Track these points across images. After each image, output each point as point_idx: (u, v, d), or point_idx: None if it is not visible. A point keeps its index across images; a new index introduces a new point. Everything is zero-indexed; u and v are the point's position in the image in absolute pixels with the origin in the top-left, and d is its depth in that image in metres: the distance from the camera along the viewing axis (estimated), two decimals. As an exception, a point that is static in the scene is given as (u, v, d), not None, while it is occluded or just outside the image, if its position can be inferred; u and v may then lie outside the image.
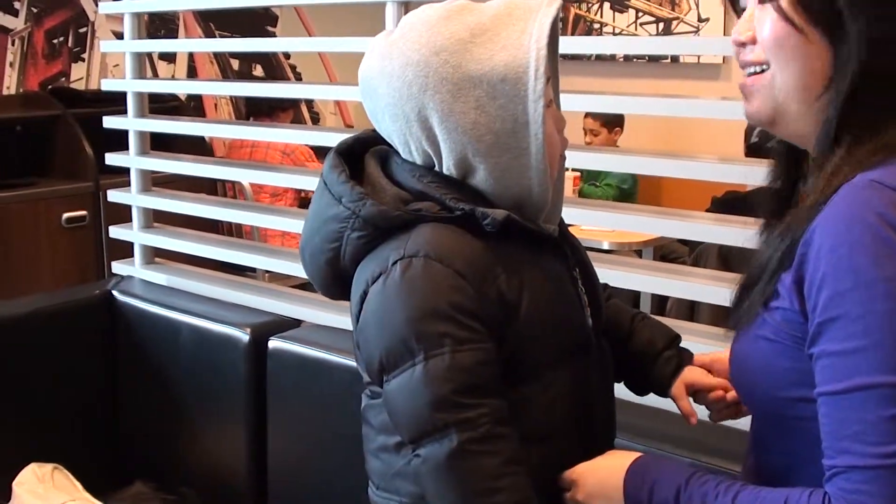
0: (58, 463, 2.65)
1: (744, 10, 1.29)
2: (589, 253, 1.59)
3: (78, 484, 2.63)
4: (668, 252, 5.15)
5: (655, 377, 1.59)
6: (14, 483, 2.58)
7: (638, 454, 1.35)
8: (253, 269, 4.38)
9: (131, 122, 3.11)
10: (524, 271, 1.36)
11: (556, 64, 1.45)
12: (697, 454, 1.80)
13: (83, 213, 4.77)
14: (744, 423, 1.47)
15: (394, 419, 1.34)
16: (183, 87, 5.30)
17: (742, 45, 1.28)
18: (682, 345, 1.64)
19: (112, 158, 3.19)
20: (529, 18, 1.32)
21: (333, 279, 1.44)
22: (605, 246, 4.70)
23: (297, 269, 2.74)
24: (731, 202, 3.84)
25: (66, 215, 4.72)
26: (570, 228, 1.56)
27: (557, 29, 1.39)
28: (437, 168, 1.38)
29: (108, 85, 3.22)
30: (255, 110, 5.58)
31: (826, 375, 1.13)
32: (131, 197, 3.14)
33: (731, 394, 1.52)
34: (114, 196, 3.21)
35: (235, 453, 2.62)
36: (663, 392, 1.59)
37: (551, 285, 1.40)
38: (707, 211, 4.60)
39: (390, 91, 1.35)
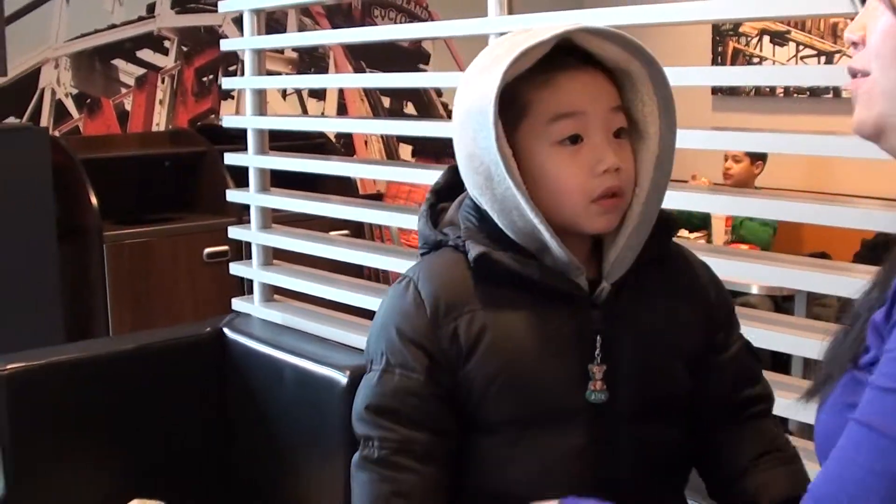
0: (161, 500, 2.64)
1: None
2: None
3: (180, 522, 2.62)
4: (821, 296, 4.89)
5: None
6: (116, 520, 2.57)
7: None
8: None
9: (251, 159, 3.11)
10: (497, 317, 1.29)
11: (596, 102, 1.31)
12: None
13: (225, 248, 4.83)
14: None
15: None
16: (302, 125, 5.32)
17: (854, 44, 1.11)
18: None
19: (233, 195, 3.20)
20: (514, 54, 1.25)
21: None
22: (755, 291, 4.48)
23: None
24: (883, 245, 3.61)
25: (207, 250, 4.79)
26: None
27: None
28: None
29: (228, 122, 3.25)
30: (422, 151, 5.53)
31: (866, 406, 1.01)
32: (251, 234, 3.13)
33: None
34: (234, 233, 3.21)
35: (334, 495, 2.56)
36: None
37: (527, 341, 1.29)
38: (856, 255, 4.37)
39: None
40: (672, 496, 1.41)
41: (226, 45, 3.27)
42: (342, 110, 6.08)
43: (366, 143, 6.29)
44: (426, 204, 1.41)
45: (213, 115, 5.61)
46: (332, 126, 5.04)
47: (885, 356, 1.00)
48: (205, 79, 5.58)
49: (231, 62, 5.67)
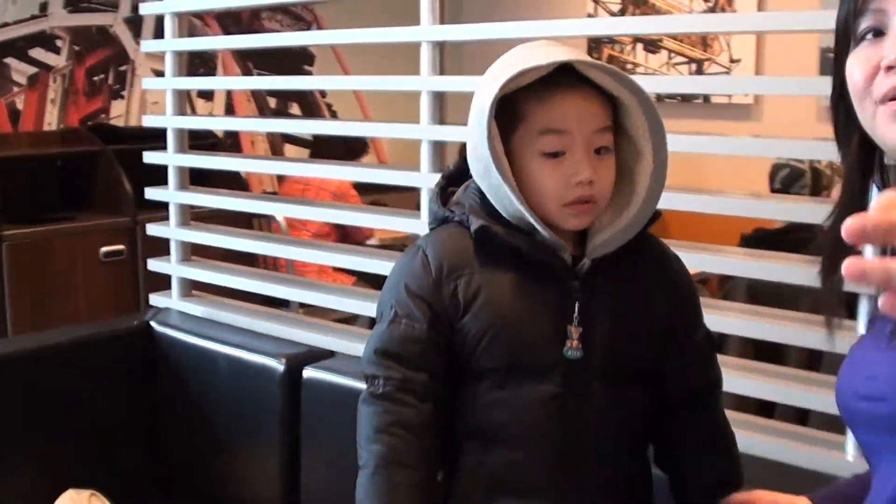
0: (94, 490, 2.70)
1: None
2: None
3: (114, 510, 2.68)
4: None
5: None
6: (52, 509, 2.63)
7: None
8: (286, 303, 4.44)
9: (171, 158, 3.18)
10: (491, 280, 1.48)
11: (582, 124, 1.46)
12: None
13: (121, 247, 4.86)
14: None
15: None
16: (222, 124, 5.40)
17: (889, 68, 1.15)
18: None
19: (151, 193, 3.25)
20: (513, 71, 1.41)
21: None
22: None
23: (332, 302, 2.82)
24: (762, 238, 3.87)
25: (103, 249, 4.81)
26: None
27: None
28: None
29: (149, 121, 3.31)
30: (321, 154, 5.60)
31: None
32: (170, 230, 3.20)
33: None
34: (153, 230, 3.27)
35: (269, 480, 2.67)
36: None
37: (516, 302, 1.47)
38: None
39: None
40: (635, 457, 1.58)
41: (147, 47, 3.37)
42: (230, 110, 6.14)
43: (252, 142, 6.36)
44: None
45: (103, 115, 5.62)
46: (248, 126, 5.11)
47: None
48: (96, 78, 5.58)
49: (122, 62, 5.69)
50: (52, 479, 2.69)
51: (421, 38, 2.47)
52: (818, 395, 1.94)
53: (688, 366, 1.58)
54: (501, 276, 1.48)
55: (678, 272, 1.60)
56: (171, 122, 3.18)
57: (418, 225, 2.54)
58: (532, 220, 1.45)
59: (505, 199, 1.45)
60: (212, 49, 4.68)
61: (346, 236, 5.22)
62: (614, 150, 1.49)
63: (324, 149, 5.72)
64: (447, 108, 2.50)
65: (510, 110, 1.45)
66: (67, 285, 4.70)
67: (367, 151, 6.27)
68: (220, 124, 5.34)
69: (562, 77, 1.43)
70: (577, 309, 1.47)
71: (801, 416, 2.69)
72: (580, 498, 1.49)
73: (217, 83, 5.58)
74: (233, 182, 5.02)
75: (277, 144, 6.51)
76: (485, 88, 1.44)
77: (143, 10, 3.18)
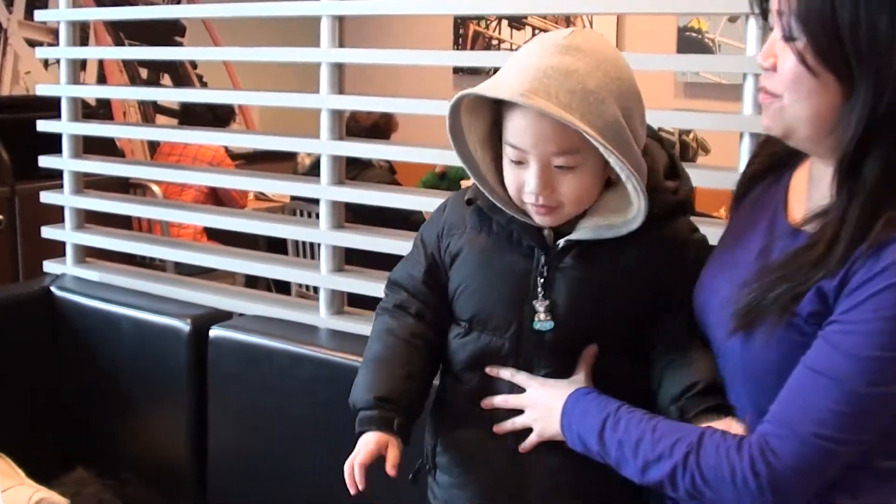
0: (0, 452, 2.75)
1: (767, 14, 1.43)
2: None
3: (20, 471, 2.72)
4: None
5: None
6: (-40, 469, 2.67)
7: (583, 386, 1.60)
8: (163, 268, 4.52)
9: (66, 126, 3.22)
10: (473, 243, 1.69)
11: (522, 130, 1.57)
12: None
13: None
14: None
15: None
16: (115, 93, 5.42)
17: (765, 69, 1.41)
18: None
19: (46, 161, 3.27)
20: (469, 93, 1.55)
21: None
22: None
23: (225, 264, 2.97)
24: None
25: (-20, 219, 4.80)
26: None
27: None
28: None
29: (42, 90, 3.34)
30: (190, 123, 5.64)
31: (826, 355, 1.34)
32: (64, 198, 3.25)
33: None
34: (46, 197, 3.30)
35: (176, 439, 2.77)
36: None
37: (486, 265, 1.67)
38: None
39: None
40: None
41: (41, 16, 3.37)
42: (102, 80, 6.12)
43: (124, 113, 6.36)
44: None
45: (-26, 85, 5.58)
46: (142, 94, 5.13)
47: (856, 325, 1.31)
48: (-32, 47, 5.54)
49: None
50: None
51: (322, 12, 2.59)
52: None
53: (671, 342, 1.65)
54: (482, 241, 1.68)
55: (675, 261, 1.65)
56: (65, 90, 3.23)
57: (317, 190, 2.67)
58: (499, 202, 1.63)
59: (489, 196, 1.66)
60: (108, 20, 4.68)
61: (221, 205, 5.30)
62: (592, 165, 1.55)
63: (192, 118, 5.78)
64: (345, 78, 2.64)
65: (501, 109, 1.59)
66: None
67: (234, 119, 6.33)
68: (113, 93, 5.35)
69: None
70: (539, 283, 1.63)
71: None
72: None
73: (111, 53, 5.55)
74: (106, 148, 5.03)
75: (149, 114, 6.52)
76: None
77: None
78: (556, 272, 1.61)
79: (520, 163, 1.56)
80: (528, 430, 1.65)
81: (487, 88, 1.51)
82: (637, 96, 1.56)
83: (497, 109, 1.59)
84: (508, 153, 1.57)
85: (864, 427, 1.33)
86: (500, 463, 1.69)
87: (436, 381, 1.78)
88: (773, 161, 1.58)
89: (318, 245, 2.50)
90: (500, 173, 1.63)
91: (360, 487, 1.59)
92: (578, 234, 1.60)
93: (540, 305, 1.62)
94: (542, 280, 1.62)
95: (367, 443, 1.62)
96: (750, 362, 1.46)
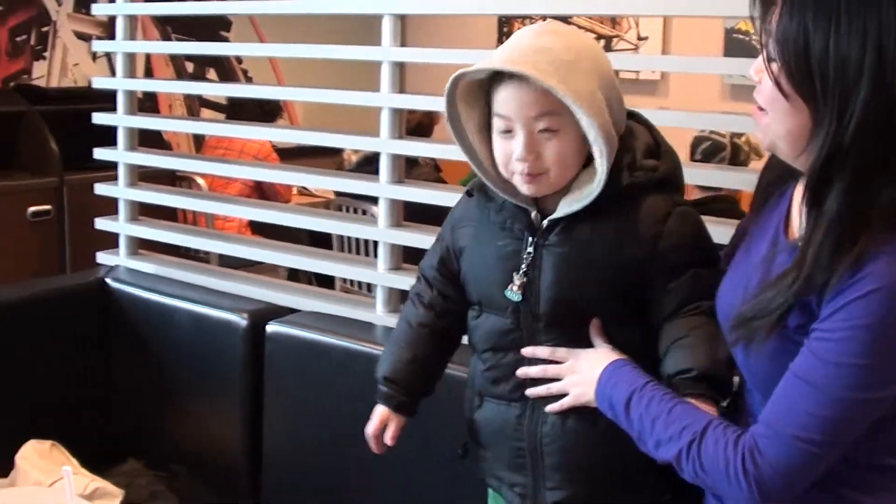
0: (54, 441, 2.77)
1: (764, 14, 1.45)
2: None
3: (74, 460, 2.75)
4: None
5: None
6: (17, 457, 2.69)
7: (620, 357, 1.69)
8: (207, 260, 4.54)
9: (121, 119, 3.24)
10: (474, 233, 1.85)
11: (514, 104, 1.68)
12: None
13: (48, 207, 4.87)
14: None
15: None
16: (172, 87, 5.47)
17: (756, 83, 1.48)
18: None
19: (101, 153, 3.29)
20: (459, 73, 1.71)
21: None
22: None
23: (279, 259, 2.99)
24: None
25: (31, 209, 4.82)
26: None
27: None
28: None
29: (99, 83, 3.36)
30: (237, 118, 5.62)
31: (807, 361, 1.40)
32: (119, 190, 3.27)
33: None
34: (101, 189, 3.33)
35: (230, 434, 2.78)
36: None
37: (483, 252, 1.82)
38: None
39: None
40: None
41: (98, 10, 3.39)
42: (148, 73, 6.15)
43: (170, 106, 6.39)
44: None
45: (24, 76, 5.60)
46: (200, 89, 5.14)
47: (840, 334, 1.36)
48: (18, 39, 5.56)
49: (44, 23, 5.68)
50: (14, 432, 2.74)
51: (384, 10, 2.59)
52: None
53: (667, 306, 1.72)
54: (482, 231, 1.84)
55: (655, 233, 1.71)
56: (121, 83, 3.25)
57: (376, 188, 2.68)
58: (491, 185, 1.77)
59: (479, 175, 1.79)
60: (165, 14, 4.66)
61: (266, 200, 5.31)
62: (574, 131, 1.67)
63: (239, 112, 5.79)
64: (406, 77, 2.64)
65: (491, 96, 1.72)
66: (-6, 244, 4.71)
67: (280, 115, 6.35)
68: (174, 87, 5.40)
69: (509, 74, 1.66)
70: (525, 260, 1.74)
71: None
72: (542, 414, 1.77)
73: (167, 47, 5.55)
74: (153, 142, 5.06)
75: (195, 107, 6.55)
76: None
77: (97, -27, 3.24)
78: (542, 250, 1.74)
79: (508, 132, 1.69)
80: (541, 412, 1.77)
81: (476, 66, 1.68)
82: (611, 79, 1.70)
83: (490, 98, 1.72)
84: (497, 125, 1.70)
85: (843, 430, 1.39)
86: (520, 437, 1.80)
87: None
88: (785, 171, 1.59)
89: (367, 242, 2.51)
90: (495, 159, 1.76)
91: (377, 451, 1.90)
92: (559, 212, 1.72)
93: (518, 279, 1.75)
94: (528, 258, 1.74)
95: (375, 415, 1.90)
96: (752, 369, 1.54)
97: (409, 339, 1.93)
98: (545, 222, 1.73)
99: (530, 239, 1.74)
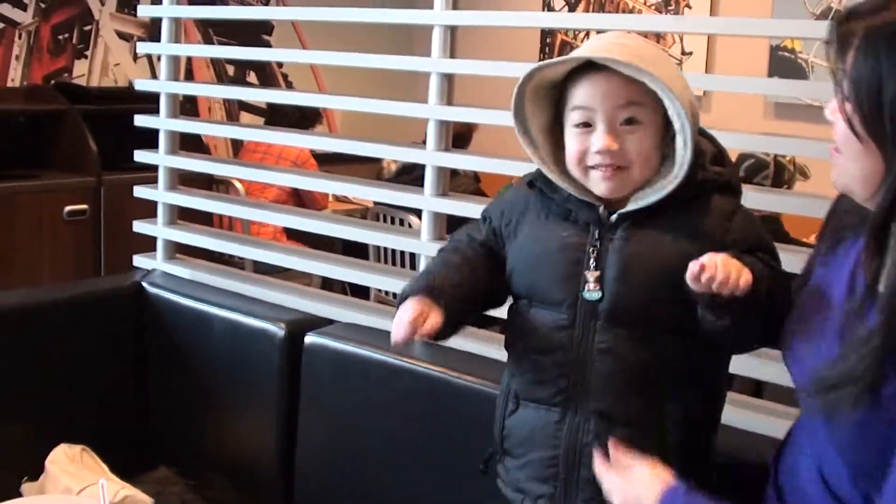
0: (85, 445, 2.75)
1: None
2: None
3: (104, 466, 2.72)
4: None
5: None
6: (47, 461, 2.66)
7: (671, 482, 1.55)
8: (242, 266, 4.52)
9: (163, 122, 3.22)
10: (528, 222, 1.80)
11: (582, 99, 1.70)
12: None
13: (84, 206, 4.87)
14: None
15: None
16: (218, 92, 5.44)
17: (830, 122, 1.44)
18: None
19: (141, 156, 3.27)
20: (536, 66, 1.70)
21: None
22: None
23: (319, 269, 2.94)
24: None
25: (67, 208, 4.82)
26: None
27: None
28: None
29: (141, 85, 3.34)
30: (277, 123, 5.63)
31: None
32: (159, 193, 3.25)
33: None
34: (140, 192, 3.30)
35: (264, 445, 2.74)
36: None
37: (544, 241, 1.76)
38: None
39: None
40: (647, 400, 1.71)
41: (144, 12, 3.37)
42: (188, 75, 6.14)
43: (209, 109, 6.39)
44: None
45: (65, 74, 5.61)
46: (243, 95, 5.14)
47: None
48: (60, 37, 5.57)
49: (87, 22, 5.68)
50: (45, 435, 2.72)
51: (434, 21, 2.56)
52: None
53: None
54: (542, 221, 1.78)
55: (721, 228, 1.68)
56: (165, 86, 3.22)
57: (419, 200, 2.63)
58: (556, 179, 1.74)
59: (549, 177, 1.75)
60: (210, 18, 4.68)
61: (302, 206, 5.29)
62: (654, 125, 1.67)
63: (280, 117, 5.78)
64: (454, 89, 2.60)
65: (564, 95, 1.72)
66: (31, 244, 4.70)
67: (320, 121, 6.34)
68: (220, 92, 5.39)
69: (594, 64, 1.66)
70: (592, 255, 1.70)
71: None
72: (585, 421, 1.71)
73: (210, 51, 5.55)
74: (192, 145, 5.06)
75: (233, 111, 6.54)
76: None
77: (144, -25, 3.22)
78: (609, 244, 1.69)
79: (586, 125, 1.67)
80: (584, 419, 1.70)
81: (557, 59, 1.67)
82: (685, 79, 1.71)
83: (558, 102, 1.73)
84: (574, 118, 1.69)
85: None
86: (556, 444, 1.73)
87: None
88: (858, 212, 1.52)
89: (403, 252, 2.46)
90: (560, 161, 1.74)
91: (405, 339, 1.67)
92: (631, 206, 1.68)
93: (591, 276, 1.69)
94: (594, 252, 1.70)
95: (412, 302, 1.70)
96: (829, 433, 1.42)
97: (458, 263, 1.82)
98: (614, 217, 1.70)
99: (597, 233, 1.71)
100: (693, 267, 1.51)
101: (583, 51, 1.67)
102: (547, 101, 1.74)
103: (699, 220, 1.68)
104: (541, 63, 1.68)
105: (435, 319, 1.69)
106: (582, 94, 1.68)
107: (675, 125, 1.63)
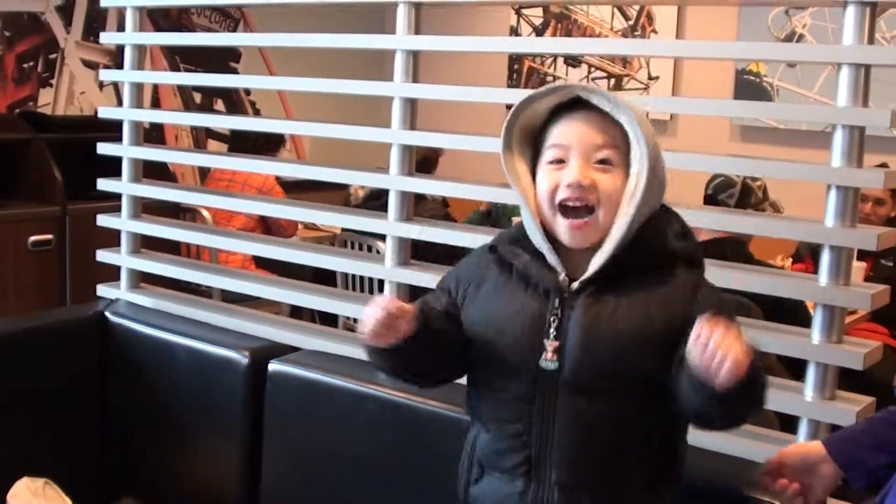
0: (48, 478, 2.71)
1: None
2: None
3: (67, 499, 2.69)
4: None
5: None
6: (9, 496, 2.63)
7: None
8: (209, 295, 4.48)
9: (126, 150, 3.19)
10: (486, 288, 1.77)
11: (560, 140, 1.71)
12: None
13: (49, 236, 4.82)
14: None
15: None
16: (178, 119, 5.39)
17: None
18: None
19: (104, 184, 3.24)
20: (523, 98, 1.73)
21: None
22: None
23: (285, 297, 2.92)
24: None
25: (32, 238, 4.77)
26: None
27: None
28: None
29: (105, 113, 3.32)
30: (241, 148, 5.60)
31: None
32: (122, 222, 3.22)
33: None
34: (103, 221, 3.27)
35: (228, 474, 2.72)
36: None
37: (503, 307, 1.73)
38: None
39: None
40: (614, 467, 1.69)
41: (107, 39, 3.36)
42: (156, 103, 6.11)
43: (176, 137, 6.36)
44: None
45: (31, 103, 5.57)
46: (207, 122, 5.11)
47: None
48: (25, 65, 5.53)
49: (52, 50, 5.65)
50: (6, 468, 2.69)
51: (396, 46, 2.54)
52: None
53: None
54: (498, 285, 1.76)
55: (688, 299, 1.67)
56: (128, 114, 3.20)
57: (383, 225, 2.62)
58: (540, 239, 1.70)
59: (524, 215, 1.72)
60: (173, 45, 4.65)
61: (270, 233, 5.27)
62: (623, 170, 1.68)
63: (243, 143, 5.74)
64: (417, 114, 2.59)
65: (543, 140, 1.74)
66: (-6, 273, 4.66)
67: (284, 145, 6.32)
68: (181, 119, 5.35)
69: (575, 105, 1.70)
70: (553, 324, 1.67)
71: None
72: (550, 491, 1.68)
73: (175, 78, 5.50)
74: (158, 172, 5.02)
75: (201, 138, 6.51)
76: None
77: (105, 1, 3.19)
78: (570, 312, 1.66)
79: (560, 162, 1.68)
80: (550, 477, 1.67)
81: (547, 87, 1.70)
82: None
83: (536, 142, 1.74)
84: (548, 156, 1.69)
85: None
86: None
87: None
88: None
89: (372, 279, 2.45)
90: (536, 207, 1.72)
91: (379, 325, 1.62)
92: (590, 270, 1.66)
93: (549, 345, 1.66)
94: (555, 321, 1.67)
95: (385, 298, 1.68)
96: None
97: (428, 301, 1.82)
98: (575, 284, 1.68)
99: (557, 301, 1.68)
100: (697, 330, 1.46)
101: (572, 87, 1.71)
102: (529, 145, 1.75)
103: (663, 288, 1.67)
104: (532, 93, 1.70)
105: (407, 319, 1.66)
106: (559, 132, 1.69)
107: (632, 166, 1.66)
